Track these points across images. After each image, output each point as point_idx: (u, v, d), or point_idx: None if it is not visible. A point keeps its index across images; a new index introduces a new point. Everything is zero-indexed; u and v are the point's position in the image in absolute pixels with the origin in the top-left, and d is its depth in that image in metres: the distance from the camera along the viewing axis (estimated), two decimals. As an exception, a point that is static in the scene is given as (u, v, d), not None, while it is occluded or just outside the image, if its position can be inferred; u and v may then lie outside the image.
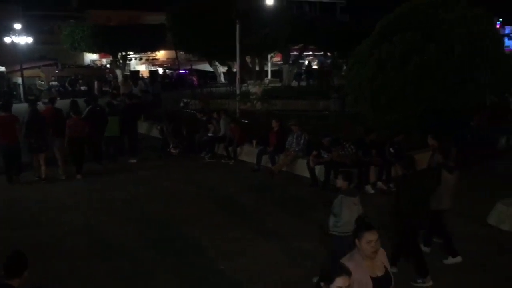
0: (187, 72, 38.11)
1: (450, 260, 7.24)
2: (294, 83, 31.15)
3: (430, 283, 6.56)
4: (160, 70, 40.42)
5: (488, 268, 7.21)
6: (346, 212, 6.18)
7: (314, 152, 11.37)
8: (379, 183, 11.08)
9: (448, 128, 12.90)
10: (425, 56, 11.72)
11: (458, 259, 7.22)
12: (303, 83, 31.16)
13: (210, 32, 21.93)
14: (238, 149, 13.87)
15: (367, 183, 10.95)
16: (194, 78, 35.80)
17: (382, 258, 4.16)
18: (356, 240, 4.03)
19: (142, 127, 17.82)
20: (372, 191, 10.80)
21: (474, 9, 12.93)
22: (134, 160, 13.87)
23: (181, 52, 32.76)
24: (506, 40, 30.19)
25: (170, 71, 40.10)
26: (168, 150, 14.71)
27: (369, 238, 3.97)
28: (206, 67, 35.84)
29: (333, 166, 10.88)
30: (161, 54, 43.30)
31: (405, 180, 7.05)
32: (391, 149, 11.25)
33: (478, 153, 12.85)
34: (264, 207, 9.95)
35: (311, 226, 8.60)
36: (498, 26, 30.15)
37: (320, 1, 42.90)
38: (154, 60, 43.50)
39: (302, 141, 12.24)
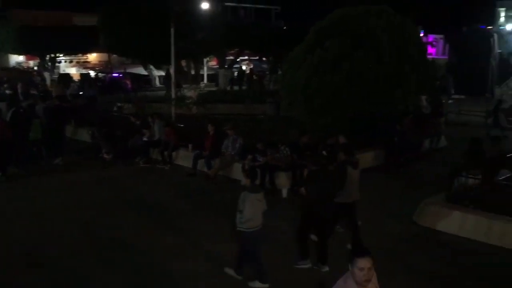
0: (121, 75, 37.15)
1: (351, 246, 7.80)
2: (232, 88, 31.23)
3: (309, 265, 7.28)
4: (92, 73, 39.12)
5: (395, 259, 7.65)
6: (249, 209, 6.43)
7: (249, 156, 11.45)
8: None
9: (378, 132, 13.49)
10: (355, 62, 12.15)
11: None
12: (236, 87, 31.27)
13: (144, 35, 21.55)
14: (174, 153, 13.70)
15: (302, 185, 11.14)
16: (127, 82, 34.94)
17: (374, 281, 3.88)
18: (349, 264, 3.76)
19: (72, 131, 17.17)
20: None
21: (401, 17, 13.59)
22: (60, 162, 13.54)
23: (114, 55, 31.92)
24: (429, 47, 31.93)
25: (103, 74, 38.92)
26: (100, 155, 14.25)
27: (361, 265, 3.67)
28: (141, 70, 35.15)
29: (268, 169, 11.01)
30: (93, 57, 41.95)
31: (312, 175, 7.48)
32: (324, 152, 11.53)
33: (405, 156, 13.51)
34: (199, 212, 9.90)
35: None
36: (422, 34, 31.81)
37: (255, 6, 43.31)
38: (86, 63, 42.05)
39: (237, 145, 12.29)
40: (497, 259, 7.70)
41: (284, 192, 11.00)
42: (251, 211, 6.43)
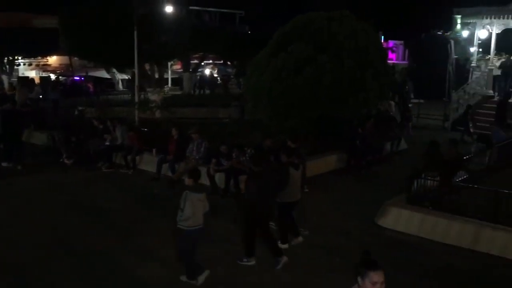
0: (82, 79, 36.38)
1: (283, 246, 8.05)
2: (199, 92, 31.15)
3: (253, 262, 7.51)
4: (53, 76, 38.15)
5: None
6: (189, 208, 6.57)
7: (214, 160, 11.43)
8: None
9: (341, 135, 13.73)
10: (318, 66, 12.35)
11: (286, 246, 8.11)
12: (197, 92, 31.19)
13: (106, 38, 21.20)
14: (138, 158, 13.53)
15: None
16: (89, 85, 34.26)
17: None
18: (359, 278, 3.64)
19: (28, 135, 16.67)
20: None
21: (362, 23, 13.89)
22: (19, 168, 13.13)
23: (76, 58, 31.20)
24: (389, 53, 32.73)
25: (64, 78, 38.01)
26: (61, 160, 13.93)
27: (375, 279, 3.57)
28: (103, 74, 34.53)
29: (233, 173, 11.02)
30: (53, 60, 40.91)
31: (253, 175, 7.74)
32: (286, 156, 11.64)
33: (366, 158, 13.80)
34: (163, 217, 9.79)
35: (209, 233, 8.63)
36: (382, 40, 32.56)
37: (219, 11, 43.29)
38: (46, 66, 40.96)
39: (202, 149, 12.24)
40: (455, 259, 7.94)
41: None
42: (191, 210, 6.57)
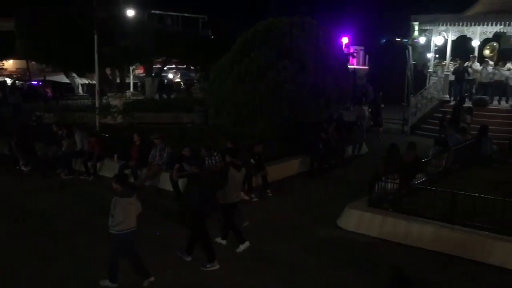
0: (40, 83, 35.39)
1: (241, 248, 8.28)
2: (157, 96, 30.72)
3: (217, 266, 7.62)
4: (9, 81, 36.94)
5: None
6: (120, 213, 6.67)
7: (177, 165, 11.33)
8: (241, 194, 11.37)
9: (303, 139, 13.87)
10: (280, 72, 12.46)
11: (247, 244, 8.33)
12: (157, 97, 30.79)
13: (65, 41, 20.71)
14: (98, 164, 13.26)
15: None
16: (48, 90, 33.35)
17: None
18: None
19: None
20: (235, 201, 11.06)
21: (323, 28, 14.12)
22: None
23: (33, 62, 30.36)
24: (350, 58, 33.38)
25: (20, 82, 36.86)
26: (18, 167, 13.50)
27: None
28: (62, 78, 33.68)
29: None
30: (9, 64, 39.70)
31: (193, 177, 8.02)
32: (252, 160, 11.68)
33: (329, 162, 14.00)
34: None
35: (173, 240, 8.55)
36: (344, 45, 33.19)
37: (182, 15, 43.03)
38: (2, 70, 39.68)
39: (165, 154, 12.13)
40: (414, 259, 8.15)
41: (213, 201, 10.97)
42: (122, 214, 6.66)
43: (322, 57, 13.17)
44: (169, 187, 11.50)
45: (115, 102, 21.07)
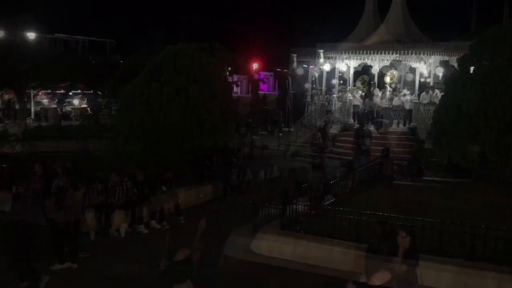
0: None
1: (57, 266, 8.48)
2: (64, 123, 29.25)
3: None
4: None
5: None
6: None
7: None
8: (153, 222, 11.06)
9: (215, 164, 13.84)
10: (190, 98, 12.40)
11: (68, 264, 8.54)
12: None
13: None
14: (-6, 197, 12.20)
15: (141, 222, 10.82)
16: None
17: None
18: None
19: None
20: (146, 231, 10.71)
21: (232, 55, 14.33)
22: None
23: None
24: (261, 84, 34.19)
25: None
26: None
27: None
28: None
29: (105, 208, 10.45)
30: None
31: (17, 196, 8.74)
32: (163, 187, 11.42)
33: (242, 186, 14.08)
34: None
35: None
36: (254, 71, 33.88)
37: (89, 39, 41.70)
38: None
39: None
40: (326, 280, 8.30)
41: (122, 232, 10.53)
42: None
43: (230, 84, 13.33)
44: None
45: (14, 129, 19.75)
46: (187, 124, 12.25)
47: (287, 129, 25.64)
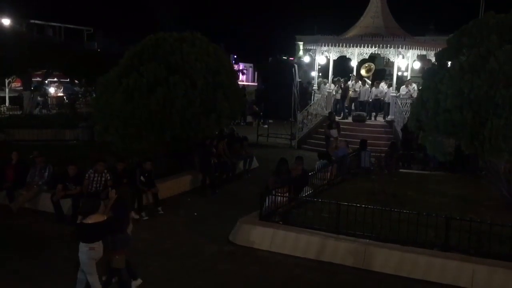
0: None
1: None
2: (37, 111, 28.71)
3: None
4: None
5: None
6: None
7: (60, 185, 10.63)
8: (131, 213, 10.97)
9: (194, 155, 13.80)
10: (170, 87, 12.29)
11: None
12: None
13: None
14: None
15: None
16: None
17: None
18: None
19: None
20: (124, 221, 10.63)
21: (213, 45, 14.22)
22: None
23: None
24: (240, 74, 34.15)
25: None
26: None
27: None
28: None
29: (82, 198, 10.34)
30: None
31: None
32: (142, 178, 11.35)
33: (221, 177, 14.07)
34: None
35: (55, 267, 7.97)
36: (233, 62, 33.88)
37: (65, 26, 40.90)
38: None
39: (46, 173, 11.35)
40: (302, 270, 8.40)
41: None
42: None
43: (212, 73, 13.22)
44: (49, 209, 10.73)
45: (-12, 117, 19.33)
46: (167, 114, 12.14)
47: (269, 120, 25.71)
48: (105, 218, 6.91)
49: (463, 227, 8.28)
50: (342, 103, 22.17)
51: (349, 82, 22.51)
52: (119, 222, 7.10)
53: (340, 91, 22.20)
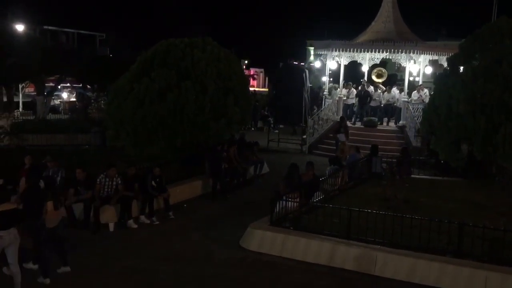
0: None
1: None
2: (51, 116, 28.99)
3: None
4: None
5: None
6: None
7: (72, 190, 10.70)
8: (142, 217, 11.04)
9: (205, 160, 13.82)
10: (181, 93, 12.36)
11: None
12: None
13: None
14: (-19, 190, 12.09)
15: (130, 217, 10.79)
16: None
17: None
18: None
19: None
20: (135, 226, 10.69)
21: (224, 50, 14.29)
22: None
23: None
24: (251, 80, 34.21)
25: None
26: None
27: None
28: None
29: (94, 202, 10.41)
30: None
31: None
32: (153, 182, 11.40)
33: (231, 182, 14.07)
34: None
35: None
36: (244, 67, 33.93)
37: (78, 32, 41.34)
38: None
39: (58, 178, 11.43)
40: (313, 276, 8.37)
41: (111, 226, 10.50)
42: None
43: (223, 78, 13.28)
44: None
45: (2, 122, 19.55)
46: (177, 120, 12.21)
47: (280, 125, 25.69)
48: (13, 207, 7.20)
49: (476, 233, 8.19)
50: (361, 108, 21.85)
51: (371, 87, 22.16)
52: (28, 211, 7.69)
53: (351, 96, 22.07)
